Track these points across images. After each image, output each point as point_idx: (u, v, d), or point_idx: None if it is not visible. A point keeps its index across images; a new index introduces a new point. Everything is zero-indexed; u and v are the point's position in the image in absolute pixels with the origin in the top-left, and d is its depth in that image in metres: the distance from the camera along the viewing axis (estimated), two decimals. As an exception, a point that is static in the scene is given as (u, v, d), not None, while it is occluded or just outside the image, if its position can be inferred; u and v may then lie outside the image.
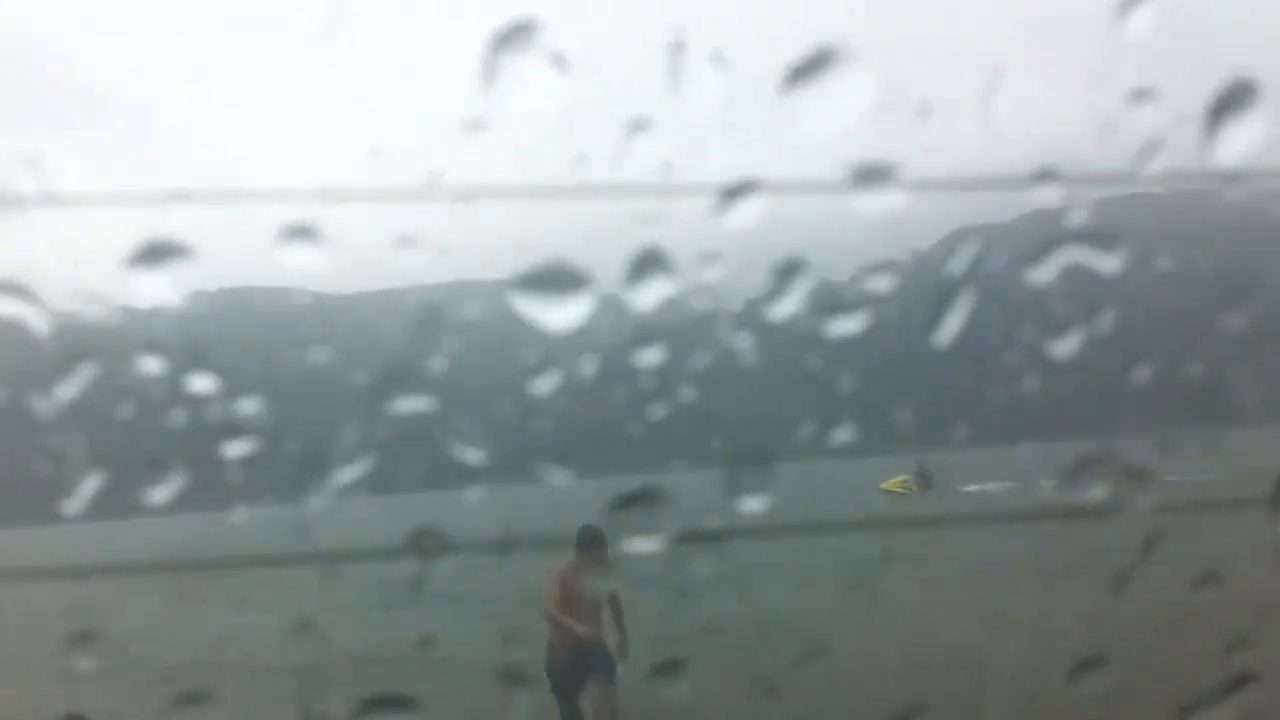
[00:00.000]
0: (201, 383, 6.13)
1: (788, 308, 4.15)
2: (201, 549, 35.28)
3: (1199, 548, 6.68)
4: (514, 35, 3.09)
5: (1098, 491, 3.98)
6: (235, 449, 9.08)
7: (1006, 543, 18.48)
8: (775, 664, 13.35)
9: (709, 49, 3.65)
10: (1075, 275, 4.46)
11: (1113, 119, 4.41)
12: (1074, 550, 11.68)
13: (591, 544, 9.03)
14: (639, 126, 3.72)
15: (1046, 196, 3.91)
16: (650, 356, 8.67)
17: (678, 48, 3.51)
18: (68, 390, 5.03)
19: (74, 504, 6.64)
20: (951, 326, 4.86)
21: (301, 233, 3.65)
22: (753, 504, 4.40)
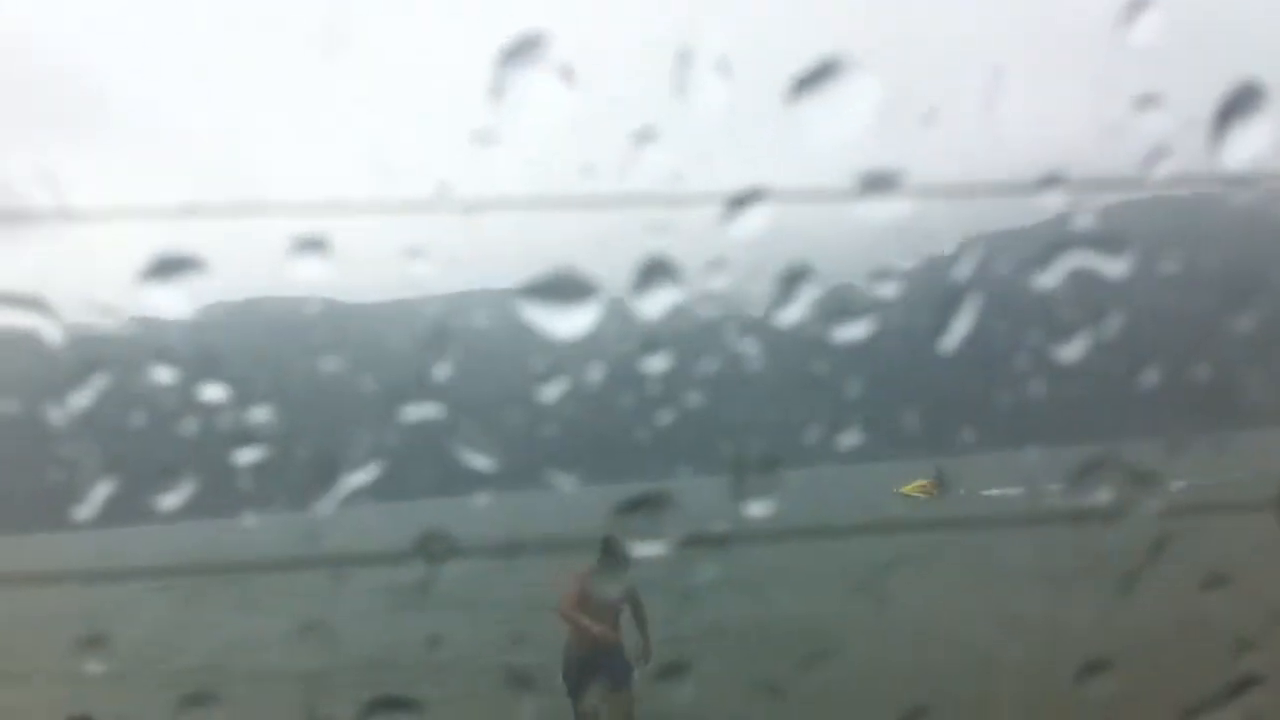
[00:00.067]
0: (213, 392, 6.18)
1: (794, 314, 4.17)
2: (211, 554, 35.38)
3: (1206, 551, 6.68)
4: (522, 48, 3.12)
5: (1105, 495, 3.99)
6: (246, 456, 9.13)
7: (1014, 546, 18.49)
8: (780, 667, 13.36)
9: (715, 59, 3.68)
10: (1082, 280, 4.48)
11: (1119, 124, 4.42)
12: (1081, 553, 11.69)
13: (614, 552, 9.04)
14: (646, 136, 3.75)
15: (1053, 202, 3.92)
16: (657, 364, 8.69)
17: (684, 58, 3.54)
18: (81, 400, 5.07)
19: (86, 510, 6.68)
20: (958, 331, 4.88)
21: (312, 245, 3.68)
22: (759, 509, 4.43)
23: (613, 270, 3.61)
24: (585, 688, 9.85)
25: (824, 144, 3.29)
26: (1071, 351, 5.96)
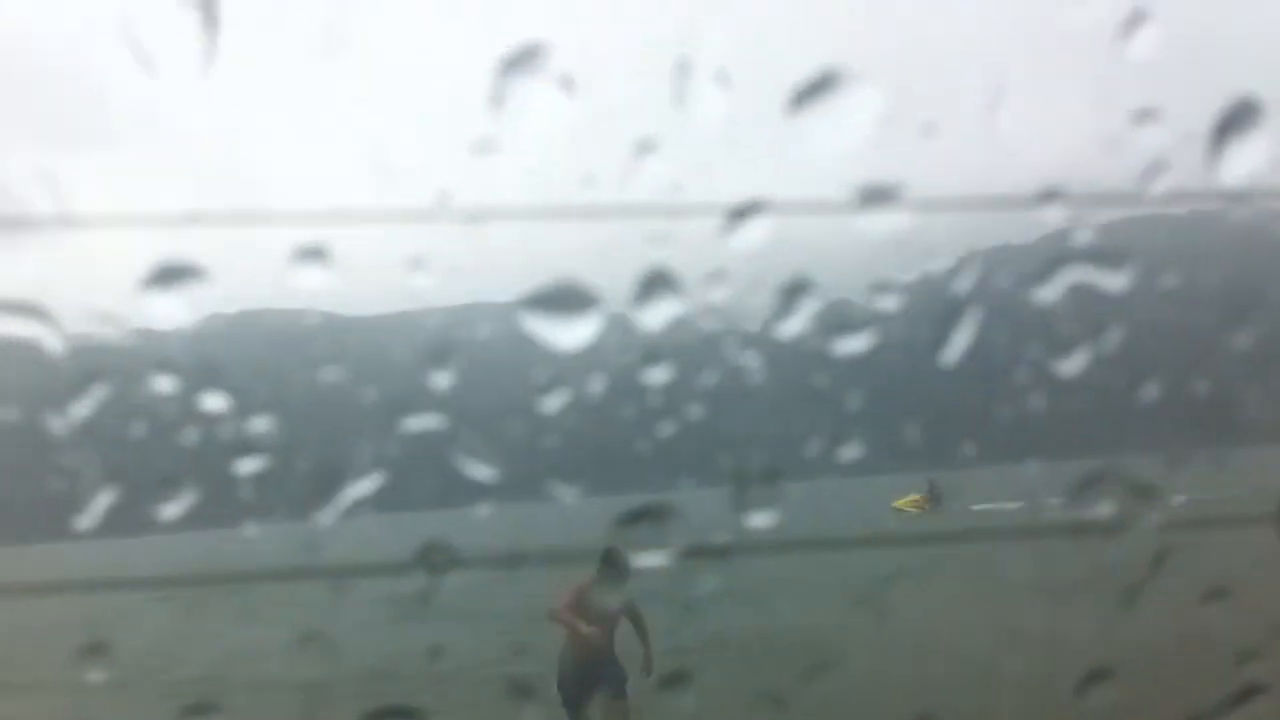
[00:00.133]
0: (214, 402, 6.18)
1: (795, 327, 4.18)
2: (213, 564, 35.33)
3: (1207, 564, 6.68)
4: (522, 58, 3.13)
5: (1105, 508, 3.99)
6: (247, 466, 9.13)
7: (1015, 559, 18.44)
8: (782, 678, 13.34)
9: (715, 70, 3.69)
10: (1081, 294, 4.48)
11: (1118, 138, 4.43)
12: (1082, 567, 11.67)
13: (614, 563, 9.03)
14: (646, 148, 3.76)
15: (1052, 216, 3.93)
16: (658, 375, 8.70)
17: (684, 69, 3.55)
18: (81, 409, 5.07)
19: (87, 520, 6.68)
20: (958, 345, 4.88)
21: (313, 254, 3.69)
22: (760, 520, 4.43)
23: (613, 281, 3.62)
24: (581, 698, 9.84)
25: (824, 156, 3.30)
26: (1072, 365, 5.97)
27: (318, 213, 3.47)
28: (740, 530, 4.55)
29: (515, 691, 9.85)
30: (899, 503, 51.15)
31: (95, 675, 8.51)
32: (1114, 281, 4.49)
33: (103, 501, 6.85)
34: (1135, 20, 3.90)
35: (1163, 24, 3.88)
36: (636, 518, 3.64)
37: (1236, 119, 3.38)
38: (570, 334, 3.55)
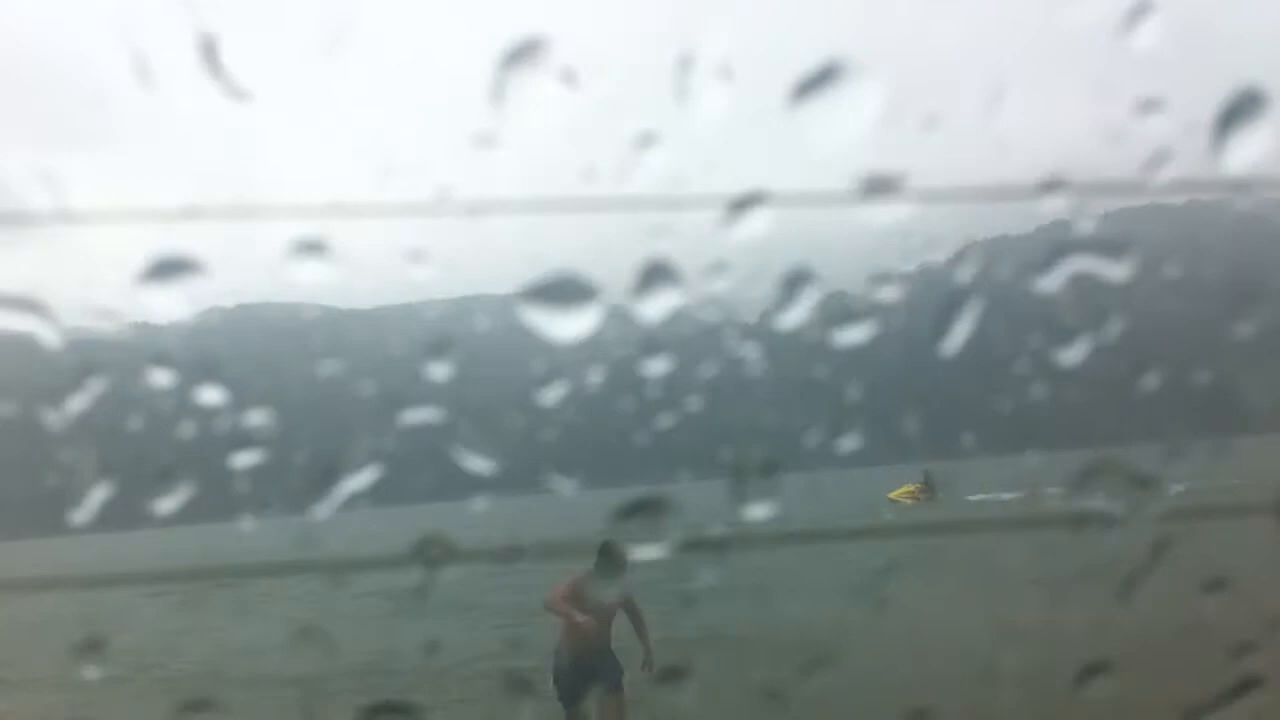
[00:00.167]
0: (211, 395, 6.15)
1: (795, 318, 4.15)
2: (209, 559, 35.34)
3: (1206, 555, 6.67)
4: (523, 51, 3.11)
5: (1105, 499, 3.98)
6: (244, 460, 9.10)
7: (1013, 550, 18.46)
8: (780, 671, 13.33)
9: (716, 62, 3.67)
10: (1083, 284, 4.47)
11: (1120, 128, 4.41)
12: (1081, 557, 11.66)
13: (612, 556, 9.01)
14: (647, 140, 3.74)
15: (1054, 206, 3.90)
16: (658, 367, 8.66)
17: (685, 62, 3.53)
18: (78, 403, 5.05)
19: (83, 515, 6.66)
20: (959, 336, 4.86)
21: (312, 248, 3.66)
22: (759, 512, 4.41)
23: (613, 273, 3.60)
24: (576, 692, 9.84)
25: (825, 147, 3.28)
26: (1072, 356, 5.95)
27: (317, 206, 3.45)
28: (739, 523, 4.53)
29: (512, 686, 9.85)
30: (894, 494, 51.19)
31: (91, 671, 8.50)
32: (1115, 272, 4.46)
33: (99, 496, 6.83)
34: (1138, 11, 3.88)
35: (1165, 14, 3.85)
36: (634, 510, 3.62)
37: (1239, 109, 3.36)
38: (569, 326, 3.52)
